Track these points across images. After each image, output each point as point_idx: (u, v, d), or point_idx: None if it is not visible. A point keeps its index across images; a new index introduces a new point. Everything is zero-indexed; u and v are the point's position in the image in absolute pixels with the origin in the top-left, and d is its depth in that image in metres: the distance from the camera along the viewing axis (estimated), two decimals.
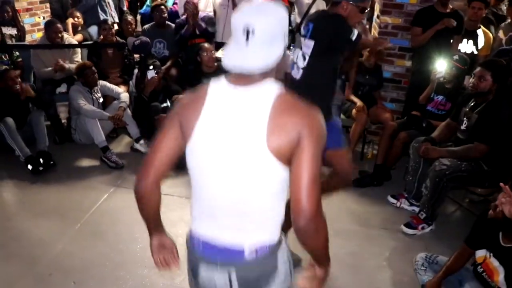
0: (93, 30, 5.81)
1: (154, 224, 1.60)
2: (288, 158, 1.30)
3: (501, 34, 5.07)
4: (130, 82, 5.13)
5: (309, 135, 1.28)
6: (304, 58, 2.64)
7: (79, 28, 5.77)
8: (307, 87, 2.56)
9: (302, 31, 2.72)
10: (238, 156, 1.32)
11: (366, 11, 2.66)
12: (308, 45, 2.61)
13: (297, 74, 2.69)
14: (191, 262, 1.50)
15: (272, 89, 1.33)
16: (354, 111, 4.42)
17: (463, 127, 3.52)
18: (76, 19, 5.80)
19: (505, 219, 2.18)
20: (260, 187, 1.34)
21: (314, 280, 1.45)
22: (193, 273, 1.48)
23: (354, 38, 2.53)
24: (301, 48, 2.69)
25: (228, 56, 1.34)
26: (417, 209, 3.61)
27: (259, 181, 1.33)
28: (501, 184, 2.21)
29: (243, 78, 1.33)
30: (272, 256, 1.41)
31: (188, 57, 5.17)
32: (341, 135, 2.83)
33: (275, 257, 1.42)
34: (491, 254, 2.36)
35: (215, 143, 1.34)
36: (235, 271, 1.40)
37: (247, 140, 1.30)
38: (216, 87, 1.39)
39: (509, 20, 5.12)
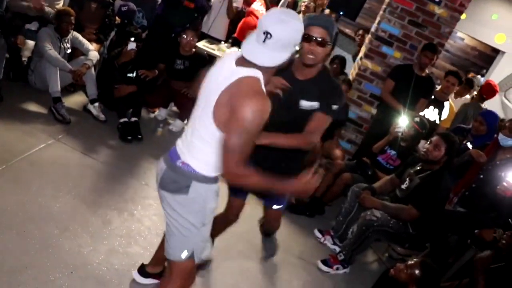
0: None
1: None
2: (222, 125, 1.76)
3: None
4: (105, 43, 5.01)
5: (238, 111, 1.68)
6: None
7: None
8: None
9: None
10: (204, 103, 1.84)
11: None
12: None
13: None
14: None
15: (247, 73, 1.73)
16: None
17: (403, 186, 3.63)
18: None
19: (399, 283, 2.53)
20: (203, 131, 1.85)
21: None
22: None
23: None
24: None
25: (247, 44, 1.77)
26: (338, 249, 3.70)
27: (204, 127, 1.84)
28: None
29: (244, 62, 1.76)
30: (188, 177, 1.92)
31: (167, 19, 5.12)
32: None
33: (190, 181, 1.92)
34: None
35: (204, 89, 1.89)
36: (166, 166, 1.99)
37: (211, 96, 1.78)
38: (229, 57, 1.86)
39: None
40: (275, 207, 2.82)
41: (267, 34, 1.69)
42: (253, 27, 5.21)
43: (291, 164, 2.57)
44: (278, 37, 1.69)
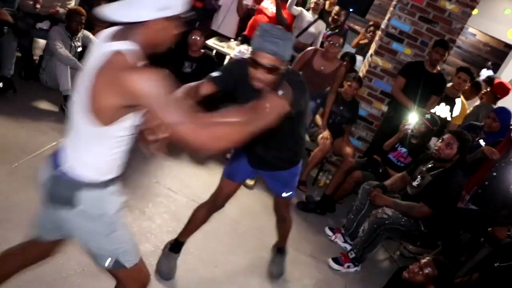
0: None
1: None
2: (109, 117, 1.50)
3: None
4: None
5: (138, 93, 1.40)
6: None
7: None
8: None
9: None
10: (79, 95, 1.54)
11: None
12: None
13: None
14: None
15: (117, 46, 1.45)
16: (319, 137, 4.47)
17: (414, 183, 3.61)
18: None
19: (414, 285, 2.49)
20: (83, 128, 1.56)
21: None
22: None
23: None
24: None
25: (109, 5, 1.49)
26: (349, 247, 3.69)
27: (83, 123, 1.54)
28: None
29: (113, 36, 1.51)
30: (72, 187, 1.62)
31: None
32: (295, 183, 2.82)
33: (76, 190, 1.62)
34: None
35: (79, 79, 1.58)
36: (49, 174, 1.67)
37: (84, 83, 1.50)
38: (103, 35, 1.56)
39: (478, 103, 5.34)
40: (284, 195, 2.76)
41: None
42: None
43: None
44: None
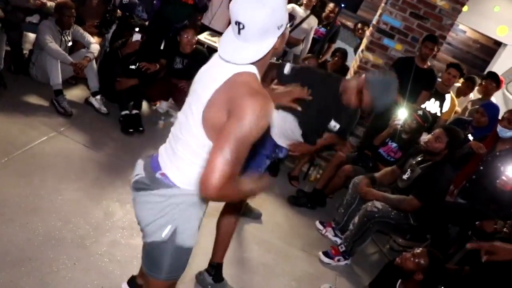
0: None
1: None
2: (212, 130, 1.51)
3: (469, 105, 5.33)
4: (106, 36, 5.00)
5: (237, 115, 1.40)
6: None
7: None
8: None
9: None
10: (192, 107, 1.58)
11: None
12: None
13: None
14: None
15: (240, 68, 1.48)
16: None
17: (404, 176, 3.64)
18: None
19: (405, 272, 2.58)
20: (188, 141, 1.61)
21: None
22: None
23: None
24: None
25: (223, 45, 1.51)
26: (339, 241, 3.72)
27: (189, 135, 1.60)
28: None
29: None
30: (165, 191, 1.67)
31: (164, 14, 5.05)
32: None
33: (165, 194, 1.68)
34: None
35: (194, 90, 1.63)
36: (144, 175, 1.76)
37: (200, 99, 1.53)
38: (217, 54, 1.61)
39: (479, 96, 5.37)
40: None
41: (238, 24, 1.43)
42: None
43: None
44: (252, 24, 1.41)
